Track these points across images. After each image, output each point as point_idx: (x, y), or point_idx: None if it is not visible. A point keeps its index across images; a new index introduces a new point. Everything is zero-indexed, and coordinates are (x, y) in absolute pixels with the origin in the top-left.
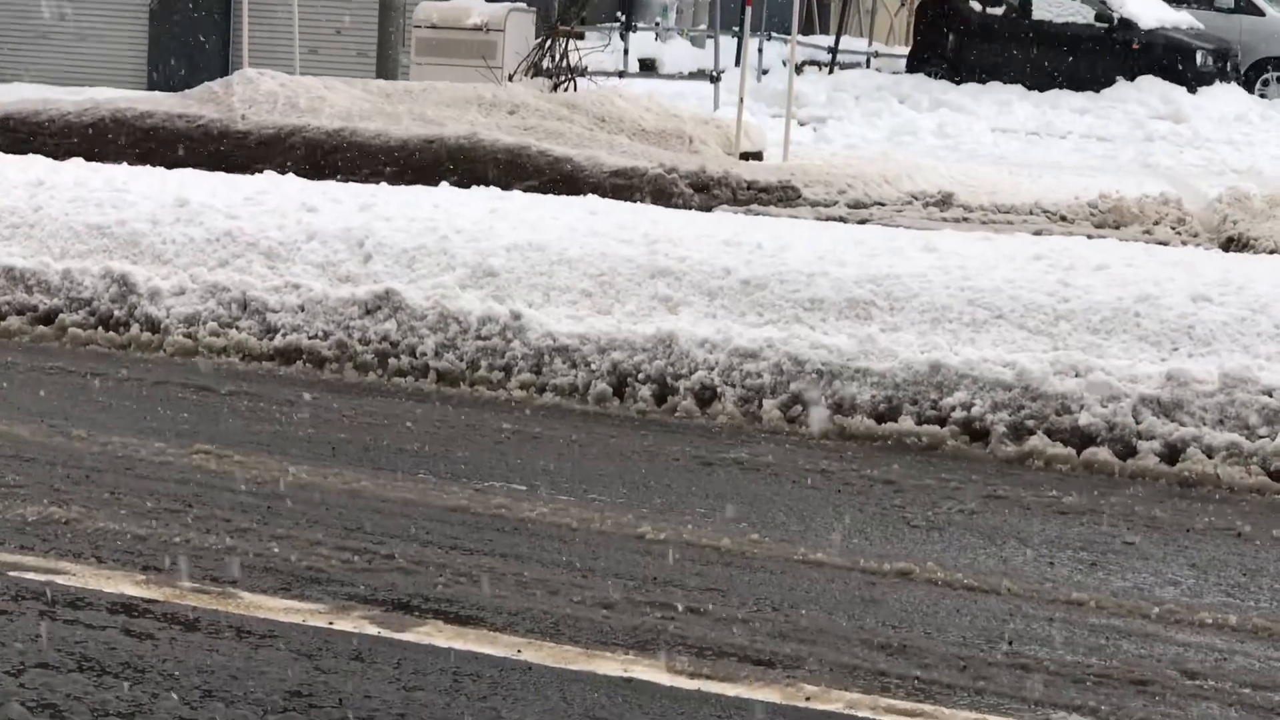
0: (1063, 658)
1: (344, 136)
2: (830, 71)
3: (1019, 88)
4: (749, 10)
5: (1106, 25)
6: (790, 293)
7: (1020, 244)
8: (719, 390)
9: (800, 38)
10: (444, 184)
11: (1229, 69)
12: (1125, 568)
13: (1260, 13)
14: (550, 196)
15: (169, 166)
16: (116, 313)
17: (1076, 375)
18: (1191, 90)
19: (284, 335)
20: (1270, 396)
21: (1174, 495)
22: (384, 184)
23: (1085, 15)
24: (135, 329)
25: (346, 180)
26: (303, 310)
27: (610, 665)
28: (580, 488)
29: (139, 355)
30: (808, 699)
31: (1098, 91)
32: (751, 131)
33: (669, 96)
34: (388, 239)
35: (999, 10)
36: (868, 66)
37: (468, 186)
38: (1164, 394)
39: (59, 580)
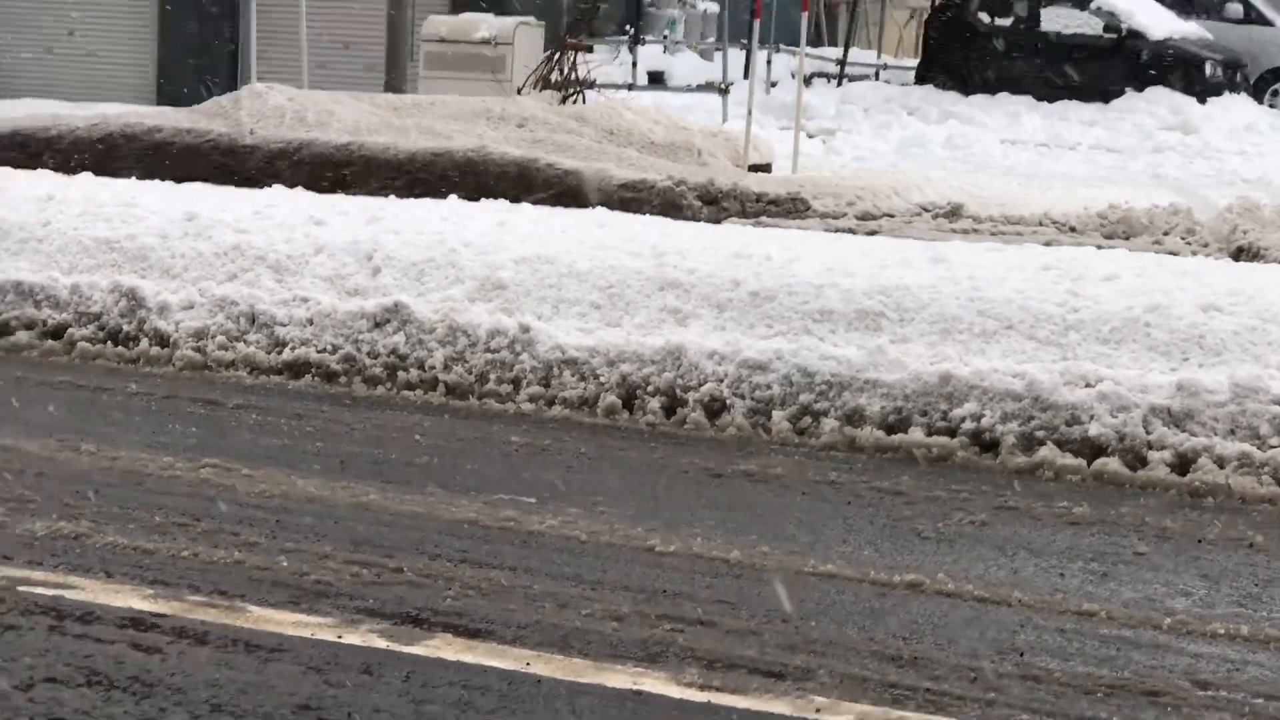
0: (1074, 669)
1: (352, 150)
2: (839, 84)
3: (1028, 99)
4: (757, 23)
5: (1115, 36)
6: (799, 304)
7: (1029, 255)
8: (728, 402)
9: (808, 50)
10: (452, 197)
11: (1238, 79)
12: (1136, 578)
13: (1269, 23)
14: (559, 209)
15: (178, 181)
16: (125, 327)
17: (1086, 385)
18: (1201, 101)
19: (292, 349)
20: None
21: (1185, 506)
22: (392, 197)
23: (1094, 26)
24: (144, 343)
25: (354, 194)
26: (311, 324)
27: (620, 678)
28: (589, 500)
29: (148, 369)
30: (818, 711)
31: (1106, 102)
32: (760, 144)
33: (677, 109)
34: (396, 252)
35: (1007, 22)
36: (876, 79)
37: (476, 199)
38: (1174, 404)
39: (68, 595)
